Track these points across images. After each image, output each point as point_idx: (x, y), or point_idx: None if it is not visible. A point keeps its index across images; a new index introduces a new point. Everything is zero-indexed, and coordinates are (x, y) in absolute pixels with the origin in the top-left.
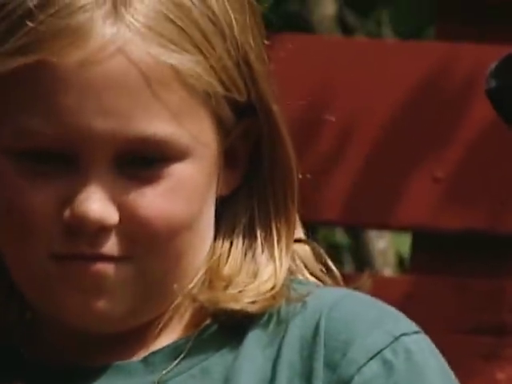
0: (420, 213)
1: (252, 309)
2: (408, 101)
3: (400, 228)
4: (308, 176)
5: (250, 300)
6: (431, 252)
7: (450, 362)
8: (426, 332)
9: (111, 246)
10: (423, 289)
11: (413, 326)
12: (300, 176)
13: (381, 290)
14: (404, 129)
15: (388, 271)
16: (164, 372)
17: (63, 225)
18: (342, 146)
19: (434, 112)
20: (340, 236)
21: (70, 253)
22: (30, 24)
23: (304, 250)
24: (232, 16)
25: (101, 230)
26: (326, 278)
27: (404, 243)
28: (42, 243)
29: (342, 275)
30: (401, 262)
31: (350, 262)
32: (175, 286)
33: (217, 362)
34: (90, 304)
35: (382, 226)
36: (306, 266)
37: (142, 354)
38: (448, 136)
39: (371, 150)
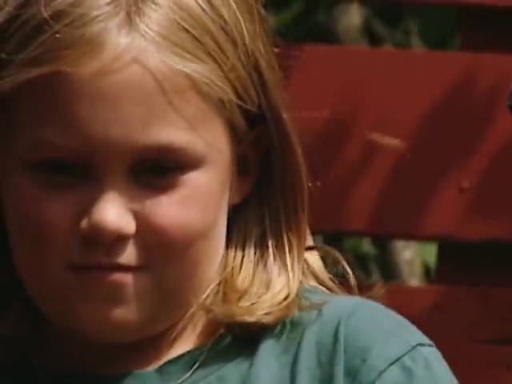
0: (446, 223)
1: (267, 320)
2: (434, 111)
3: (426, 238)
4: (334, 187)
5: (264, 312)
6: (457, 262)
7: (473, 371)
8: (452, 341)
9: (128, 255)
10: (449, 299)
11: (426, 339)
12: (324, 187)
13: (407, 300)
14: (430, 139)
15: (414, 281)
16: (179, 381)
17: (80, 235)
18: (368, 157)
19: (459, 122)
20: (367, 246)
21: (87, 263)
22: (44, 34)
23: (314, 258)
24: (243, 24)
25: (118, 240)
26: (336, 287)
27: (430, 253)
28: (59, 254)
29: (369, 285)
30: (427, 272)
31: (377, 272)
32: (192, 298)
33: (232, 370)
34: (107, 314)
35: (409, 236)
36: (315, 276)
37: (157, 363)
38: (474, 146)
39: (397, 160)
